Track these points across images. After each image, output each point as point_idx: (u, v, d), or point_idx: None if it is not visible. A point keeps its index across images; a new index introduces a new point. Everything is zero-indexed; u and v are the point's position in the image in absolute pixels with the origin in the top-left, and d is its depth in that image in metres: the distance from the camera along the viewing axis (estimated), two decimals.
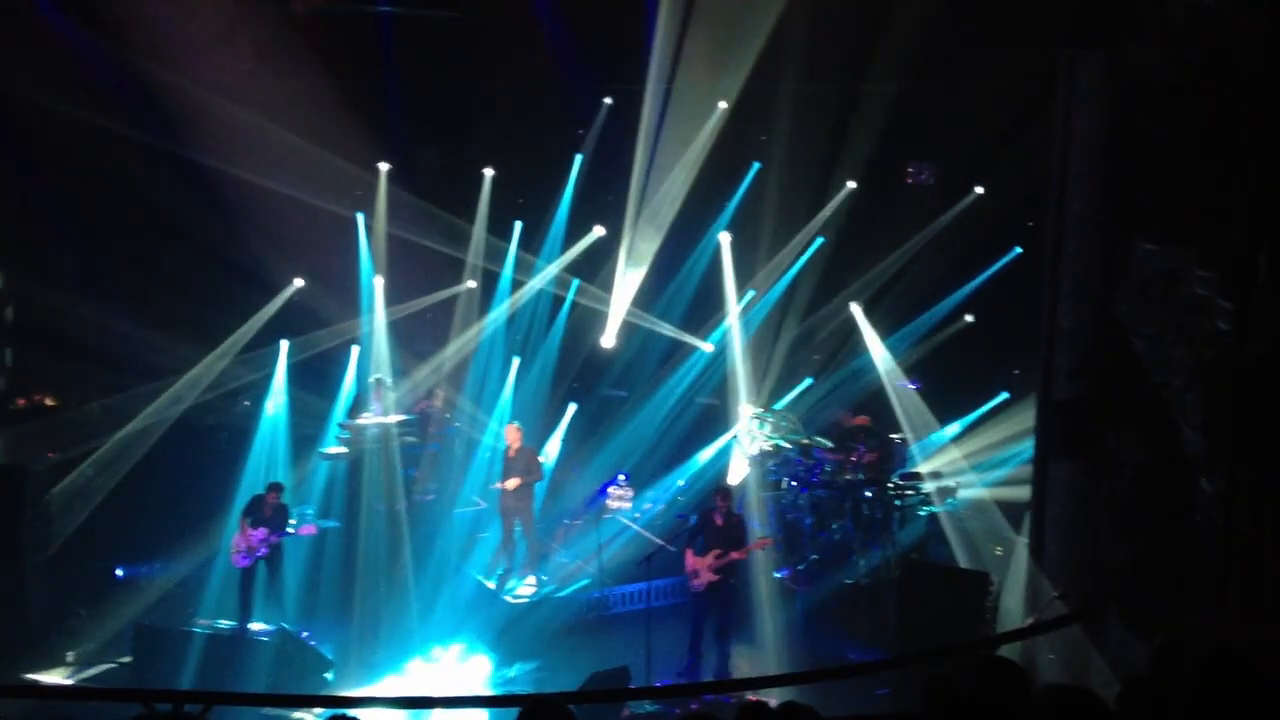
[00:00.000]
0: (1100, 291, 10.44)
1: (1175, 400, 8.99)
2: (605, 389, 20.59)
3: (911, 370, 18.94)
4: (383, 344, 18.79)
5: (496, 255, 19.83)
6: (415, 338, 19.86)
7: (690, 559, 13.66)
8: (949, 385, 18.63)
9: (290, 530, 15.01)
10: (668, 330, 19.76)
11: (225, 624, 14.72)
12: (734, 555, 13.54)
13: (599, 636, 14.77)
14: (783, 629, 14.68)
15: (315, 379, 18.95)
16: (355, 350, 18.99)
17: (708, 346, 19.70)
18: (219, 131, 16.86)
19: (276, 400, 18.22)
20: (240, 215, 17.40)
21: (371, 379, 18.06)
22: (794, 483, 16.92)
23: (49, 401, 18.11)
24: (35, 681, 13.00)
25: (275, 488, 15.22)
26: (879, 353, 18.65)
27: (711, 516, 13.80)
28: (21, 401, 17.79)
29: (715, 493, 14.22)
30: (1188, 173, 9.20)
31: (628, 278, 19.54)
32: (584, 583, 15.83)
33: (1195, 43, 9.01)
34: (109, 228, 17.16)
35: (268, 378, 18.34)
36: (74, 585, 15.36)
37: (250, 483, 16.82)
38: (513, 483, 16.11)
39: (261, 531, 14.76)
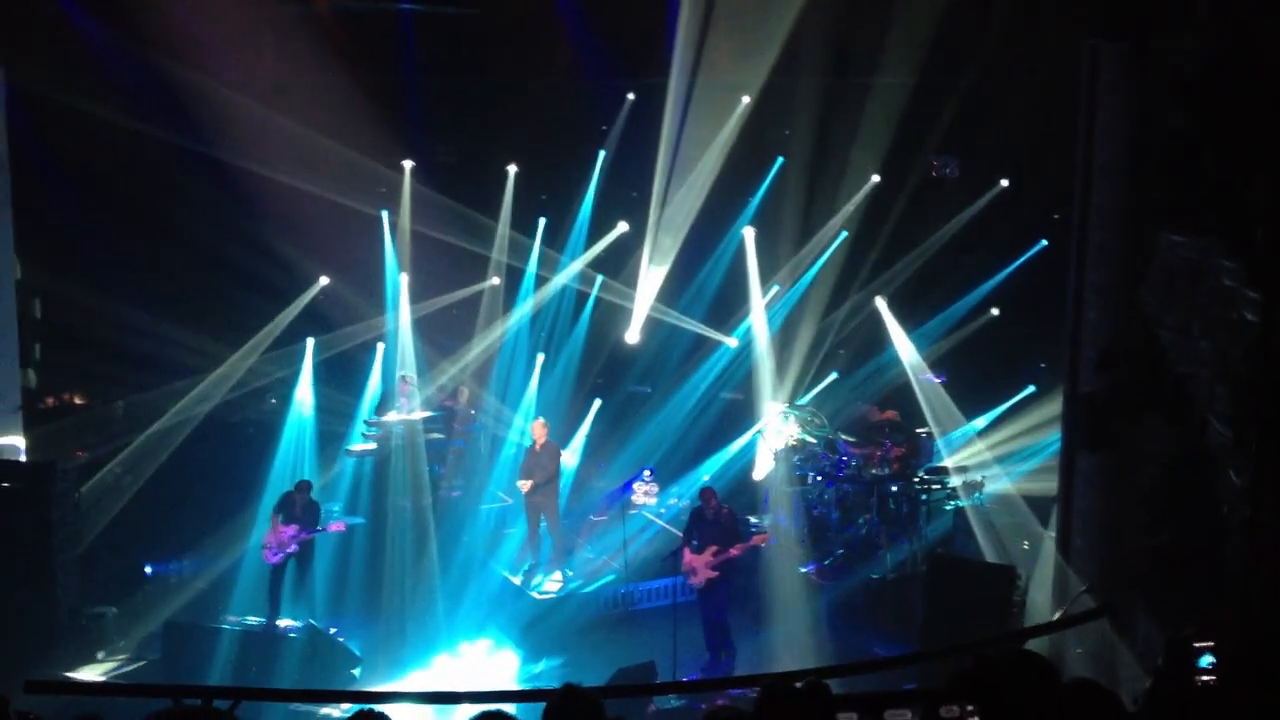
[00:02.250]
0: (1126, 283, 10.39)
1: (1202, 392, 8.94)
2: (630, 384, 20.60)
3: (937, 364, 18.90)
4: (408, 341, 18.87)
5: (520, 251, 19.86)
6: (440, 334, 19.90)
7: (688, 557, 13.70)
8: (975, 379, 18.58)
9: (320, 527, 15.10)
10: (691, 325, 19.75)
11: (254, 620, 14.82)
12: (732, 551, 13.57)
13: (624, 632, 14.77)
14: (809, 623, 14.67)
15: (341, 376, 19.04)
16: (381, 347, 19.06)
17: (732, 341, 19.70)
18: (243, 130, 16.89)
19: (303, 397, 18.29)
20: (266, 213, 17.45)
21: (398, 375, 18.13)
22: (820, 477, 16.91)
23: (77, 400, 18.23)
24: (65, 678, 13.08)
25: (303, 486, 15.31)
26: (904, 347, 18.61)
27: (702, 514, 13.84)
28: (50, 400, 17.91)
29: (699, 493, 14.24)
30: (1213, 164, 9.15)
31: (651, 274, 19.54)
32: (609, 578, 15.84)
33: (1220, 34, 8.97)
34: (134, 227, 17.23)
35: (295, 375, 18.43)
36: (103, 582, 15.46)
37: (278, 479, 16.92)
38: (525, 484, 16.17)
39: (292, 528, 14.85)
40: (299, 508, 15.03)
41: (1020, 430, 17.24)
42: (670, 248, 19.33)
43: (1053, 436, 13.34)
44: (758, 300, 19.52)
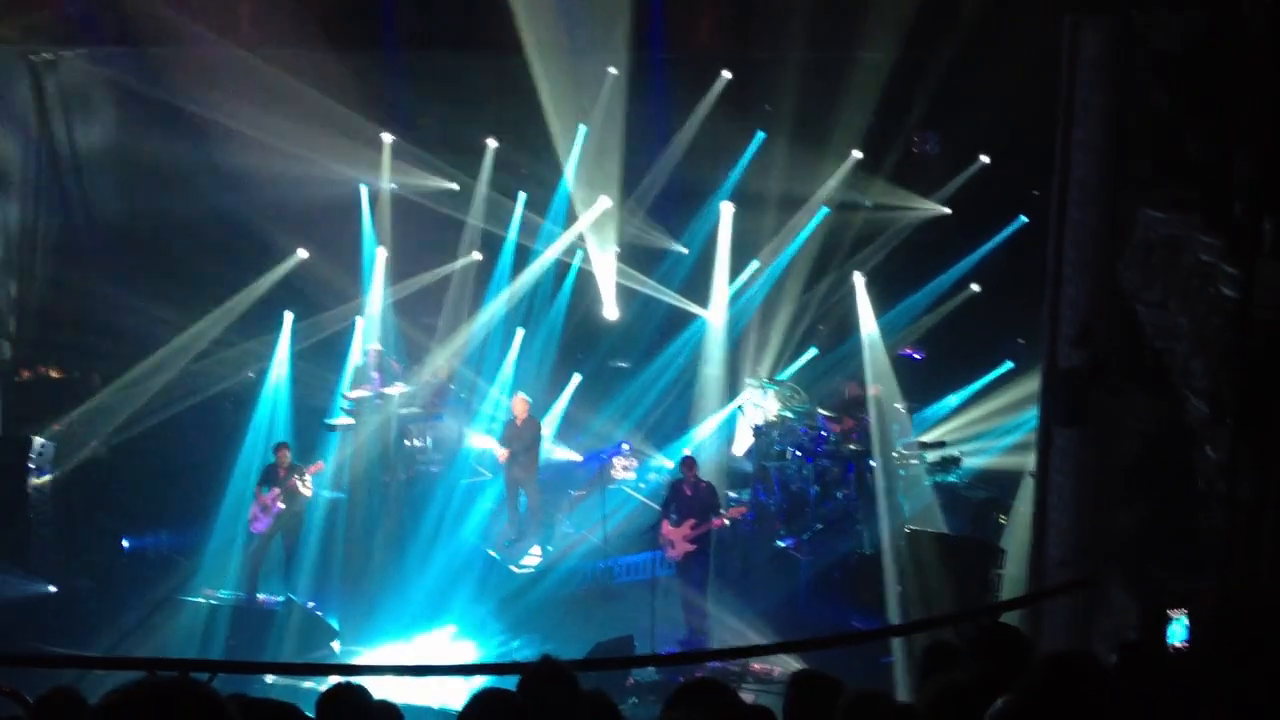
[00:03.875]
0: (1105, 259, 10.41)
1: (1179, 367, 8.97)
2: (609, 359, 20.54)
3: (918, 340, 18.97)
4: (386, 316, 18.85)
5: (501, 226, 19.75)
6: (419, 310, 19.87)
7: (666, 530, 13.74)
8: (955, 355, 18.63)
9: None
10: (670, 298, 19.66)
11: (232, 594, 14.79)
12: (709, 525, 13.61)
13: (603, 606, 14.81)
14: (787, 597, 14.74)
15: (321, 350, 18.92)
16: (360, 322, 18.94)
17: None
18: (222, 101, 16.77)
19: (280, 371, 18.16)
20: (244, 186, 17.35)
21: (367, 347, 18.07)
22: (798, 452, 16.92)
23: (54, 373, 18.09)
24: (40, 650, 13.03)
25: (282, 446, 15.34)
26: (869, 325, 18.48)
27: (680, 487, 13.88)
28: (25, 373, 17.78)
29: (680, 463, 14.29)
30: (1193, 139, 9.16)
31: (607, 249, 19.56)
32: (588, 553, 15.85)
33: (1202, 8, 8.96)
34: (111, 197, 17.11)
35: (272, 349, 18.28)
36: (80, 556, 15.40)
37: (253, 453, 16.84)
38: (503, 453, 16.19)
39: (275, 491, 14.90)
40: (283, 473, 15.06)
41: (998, 405, 17.29)
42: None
43: (1030, 411, 13.37)
44: (722, 276, 19.50)
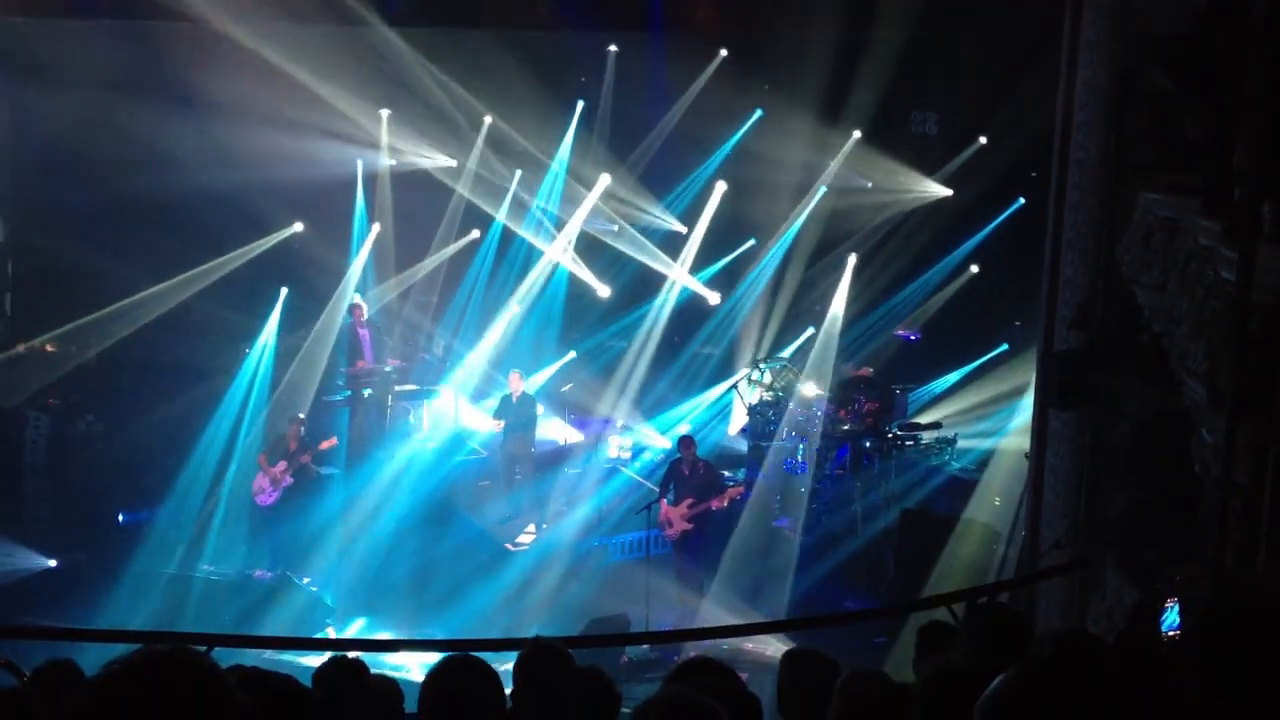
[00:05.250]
0: (1103, 241, 10.40)
1: (1176, 350, 8.95)
2: (605, 338, 20.51)
3: (918, 323, 19.00)
4: (378, 296, 18.89)
5: (495, 202, 19.70)
6: (416, 288, 19.86)
7: (663, 509, 13.77)
8: (952, 336, 18.64)
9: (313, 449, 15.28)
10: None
11: (227, 569, 14.80)
12: (707, 505, 13.63)
13: (598, 583, 14.83)
14: (780, 577, 14.76)
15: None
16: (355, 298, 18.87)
17: (714, 296, 19.66)
18: (221, 78, 16.68)
19: (268, 345, 18.08)
20: (243, 164, 17.25)
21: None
22: (793, 433, 16.94)
23: (49, 347, 18.05)
24: (36, 623, 13.03)
25: (297, 420, 15.47)
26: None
27: (678, 466, 13.90)
28: (20, 347, 17.73)
29: (678, 442, 14.31)
30: (1194, 122, 9.13)
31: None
32: (584, 530, 15.86)
33: None
34: (107, 174, 17.04)
35: (262, 323, 18.20)
36: (76, 530, 15.39)
37: (227, 423, 16.84)
38: (497, 425, 16.47)
39: (283, 464, 14.88)
40: (293, 444, 15.07)
41: (995, 387, 17.32)
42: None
43: (1027, 394, 13.40)
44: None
